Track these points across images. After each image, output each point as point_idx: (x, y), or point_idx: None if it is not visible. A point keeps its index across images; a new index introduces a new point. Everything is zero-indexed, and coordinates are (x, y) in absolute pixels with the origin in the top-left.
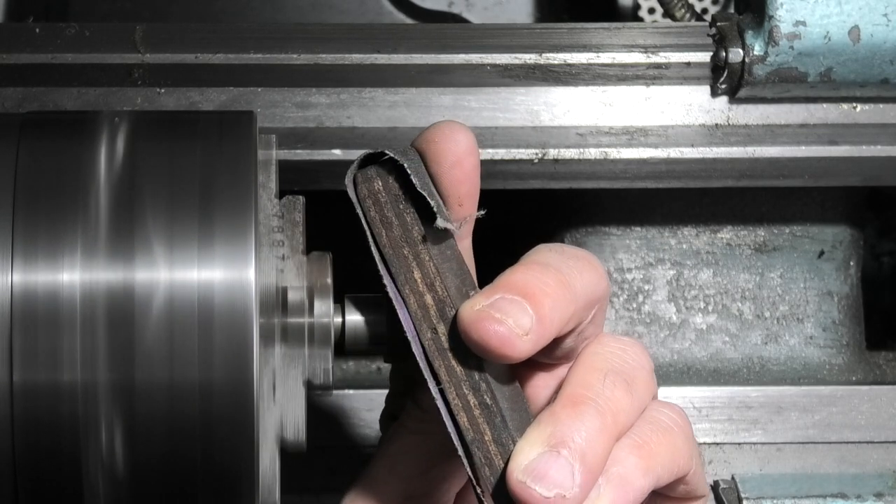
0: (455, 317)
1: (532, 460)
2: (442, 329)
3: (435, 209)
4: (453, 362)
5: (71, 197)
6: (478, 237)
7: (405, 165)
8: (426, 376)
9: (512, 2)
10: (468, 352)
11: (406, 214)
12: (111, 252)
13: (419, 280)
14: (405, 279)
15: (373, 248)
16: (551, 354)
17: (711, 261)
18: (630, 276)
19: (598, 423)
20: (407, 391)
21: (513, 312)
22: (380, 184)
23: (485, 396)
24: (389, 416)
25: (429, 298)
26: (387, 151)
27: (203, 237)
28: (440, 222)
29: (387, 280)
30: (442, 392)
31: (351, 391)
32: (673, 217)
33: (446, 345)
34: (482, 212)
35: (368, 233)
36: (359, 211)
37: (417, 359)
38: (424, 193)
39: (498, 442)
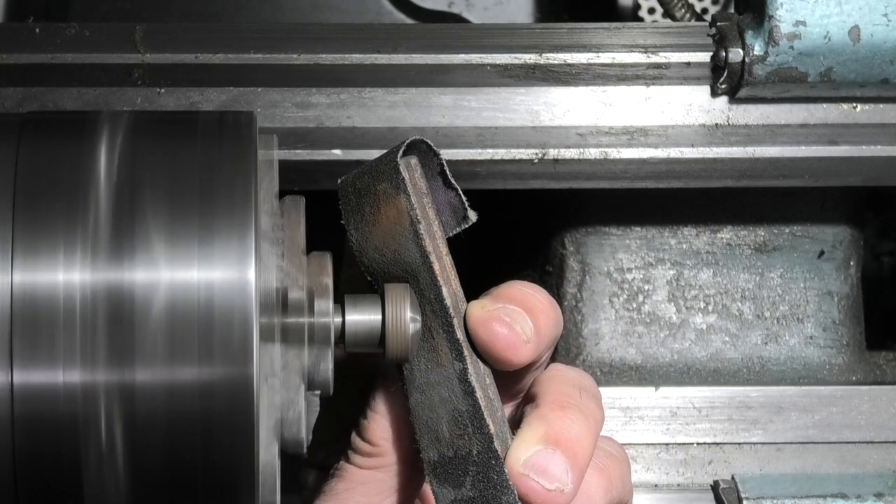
0: (465, 313)
1: (530, 455)
2: (454, 322)
3: (466, 202)
4: (464, 353)
5: (71, 197)
6: (478, 237)
7: (441, 159)
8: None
9: (512, 2)
10: (475, 348)
11: (429, 209)
12: (111, 252)
13: (437, 273)
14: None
15: (420, 225)
16: (511, 388)
17: (711, 261)
18: (630, 276)
19: (583, 426)
20: (343, 437)
21: (518, 319)
22: (407, 177)
23: (488, 391)
24: (315, 466)
25: (444, 291)
26: (426, 140)
27: (203, 237)
28: (471, 214)
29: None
30: (465, 372)
31: None
32: (673, 217)
33: (458, 337)
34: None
35: (417, 213)
36: (410, 195)
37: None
38: (457, 186)
39: (498, 437)
